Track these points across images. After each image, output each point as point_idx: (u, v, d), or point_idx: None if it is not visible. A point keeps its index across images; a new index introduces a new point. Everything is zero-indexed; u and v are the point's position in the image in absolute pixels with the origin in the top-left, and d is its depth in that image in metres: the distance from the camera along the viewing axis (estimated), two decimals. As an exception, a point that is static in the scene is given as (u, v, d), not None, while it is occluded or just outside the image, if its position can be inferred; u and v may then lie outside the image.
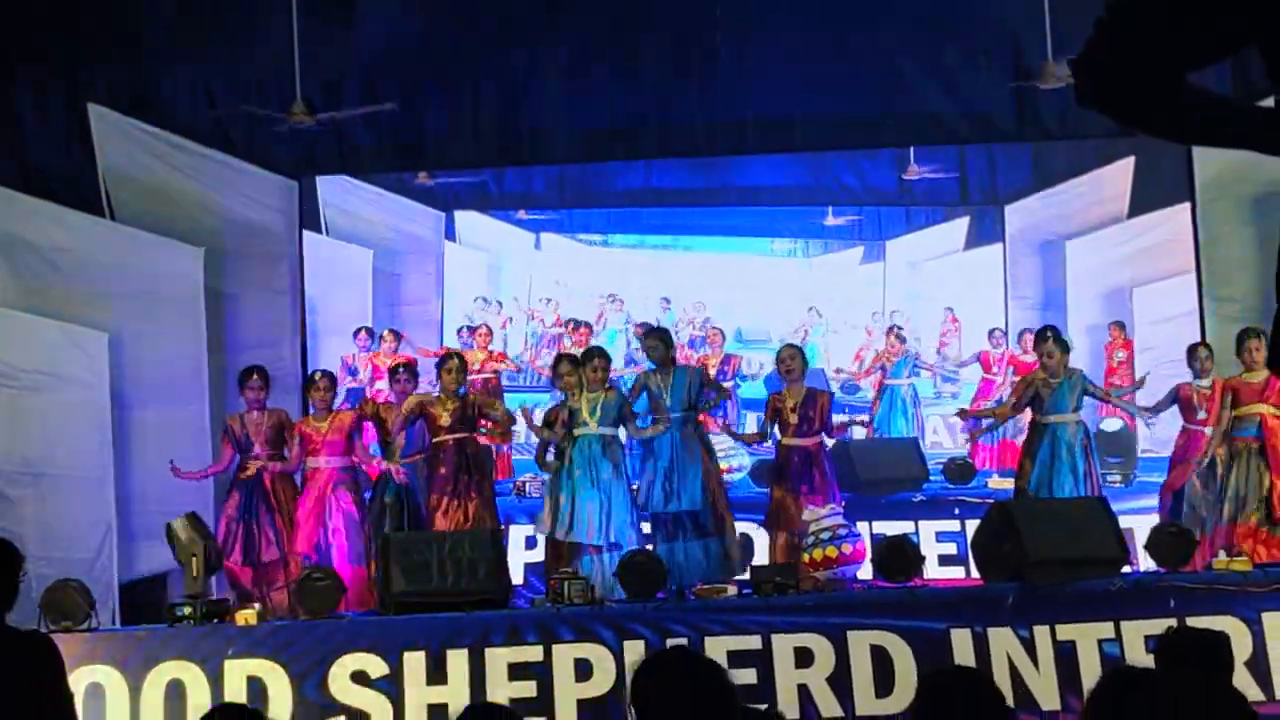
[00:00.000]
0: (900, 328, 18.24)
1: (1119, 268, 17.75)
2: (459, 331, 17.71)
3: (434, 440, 11.35)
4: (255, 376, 11.47)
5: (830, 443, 12.05)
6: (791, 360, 11.76)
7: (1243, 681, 8.27)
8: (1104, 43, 2.50)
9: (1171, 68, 2.49)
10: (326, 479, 11.31)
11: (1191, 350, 12.11)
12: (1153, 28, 2.46)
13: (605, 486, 10.87)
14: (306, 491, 11.37)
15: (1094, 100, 2.55)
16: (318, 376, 11.70)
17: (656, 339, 12.01)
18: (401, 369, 12.12)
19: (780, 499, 11.58)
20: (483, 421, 11.60)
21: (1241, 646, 8.59)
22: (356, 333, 16.88)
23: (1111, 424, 14.64)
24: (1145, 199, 17.16)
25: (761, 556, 12.01)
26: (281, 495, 11.48)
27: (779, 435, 11.84)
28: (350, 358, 16.62)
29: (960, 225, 21.13)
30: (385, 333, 16.83)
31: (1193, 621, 8.31)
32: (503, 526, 11.78)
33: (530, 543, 12.43)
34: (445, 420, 11.29)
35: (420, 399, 11.45)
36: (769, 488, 11.99)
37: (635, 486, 11.35)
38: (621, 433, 11.31)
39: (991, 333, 17.83)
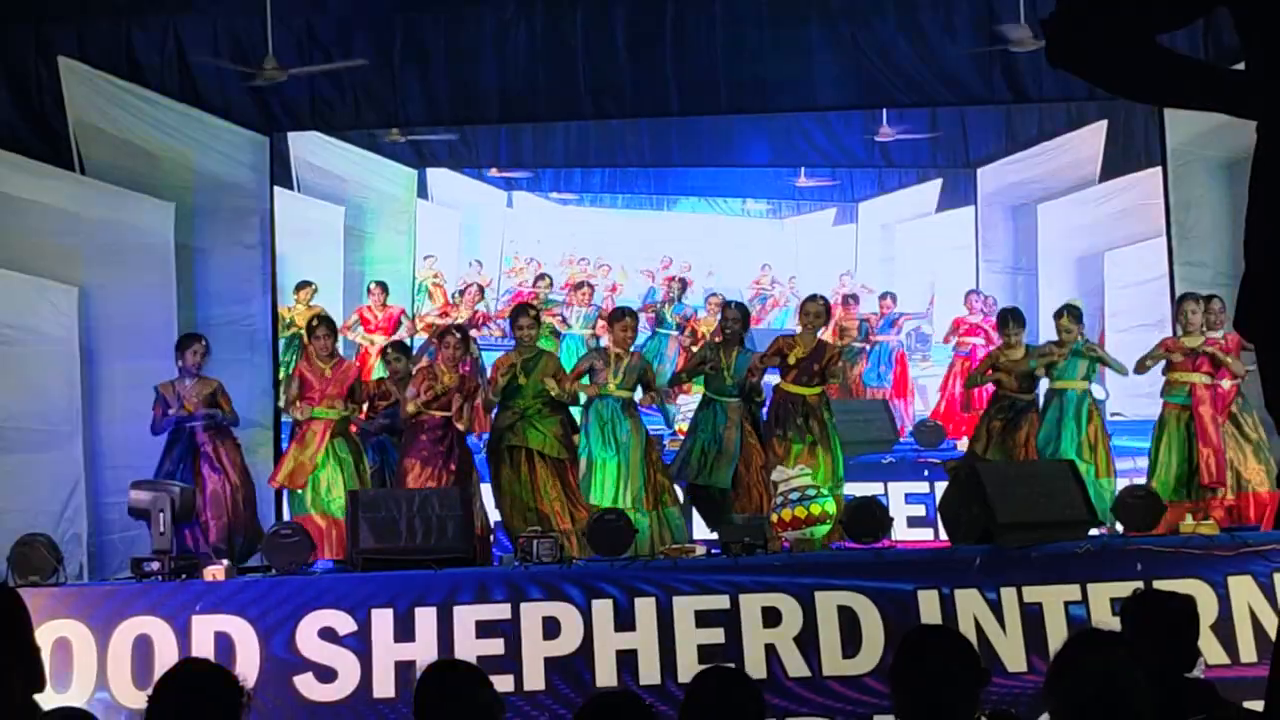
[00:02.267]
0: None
1: (1091, 231, 17.74)
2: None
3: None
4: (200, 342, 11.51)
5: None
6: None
7: (1208, 645, 8.31)
8: (1076, 3, 2.50)
9: (1143, 29, 2.49)
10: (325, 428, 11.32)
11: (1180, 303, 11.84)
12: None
13: (624, 449, 10.94)
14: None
15: (1065, 60, 2.55)
16: (315, 323, 11.77)
17: (737, 312, 11.99)
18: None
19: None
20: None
21: (1207, 610, 8.61)
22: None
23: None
24: (1117, 163, 17.17)
25: None
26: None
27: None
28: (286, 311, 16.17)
29: (932, 188, 21.08)
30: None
31: (1159, 584, 8.34)
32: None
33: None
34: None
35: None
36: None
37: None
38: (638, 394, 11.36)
39: (968, 296, 17.81)
